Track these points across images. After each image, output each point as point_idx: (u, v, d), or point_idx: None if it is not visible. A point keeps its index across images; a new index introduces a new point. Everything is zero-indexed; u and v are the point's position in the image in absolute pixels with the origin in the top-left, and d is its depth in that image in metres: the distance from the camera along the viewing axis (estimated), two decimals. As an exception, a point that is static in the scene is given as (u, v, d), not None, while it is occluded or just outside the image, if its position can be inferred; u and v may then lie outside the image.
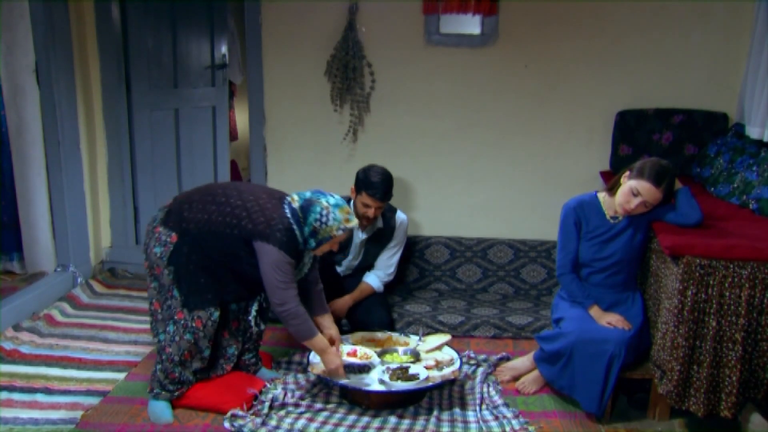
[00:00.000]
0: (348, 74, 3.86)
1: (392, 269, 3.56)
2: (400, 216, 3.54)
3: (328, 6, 3.85)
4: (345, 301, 3.43)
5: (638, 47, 3.74)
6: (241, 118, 5.98)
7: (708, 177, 3.38)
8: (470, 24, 3.82)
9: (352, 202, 3.41)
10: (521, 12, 3.76)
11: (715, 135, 3.62)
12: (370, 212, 3.30)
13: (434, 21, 3.82)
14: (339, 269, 3.58)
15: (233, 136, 5.87)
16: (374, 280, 3.51)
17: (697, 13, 3.66)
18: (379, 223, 3.46)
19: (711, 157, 3.46)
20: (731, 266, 2.40)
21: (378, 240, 3.52)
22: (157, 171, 4.58)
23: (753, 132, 3.26)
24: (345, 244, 3.49)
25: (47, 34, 3.79)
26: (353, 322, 3.45)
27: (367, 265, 3.61)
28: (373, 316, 3.38)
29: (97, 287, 4.12)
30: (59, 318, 3.67)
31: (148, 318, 3.67)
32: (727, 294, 2.42)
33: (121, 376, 3.07)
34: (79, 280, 4.10)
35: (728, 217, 2.86)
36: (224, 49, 5.05)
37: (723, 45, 3.68)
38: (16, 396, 2.86)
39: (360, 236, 3.47)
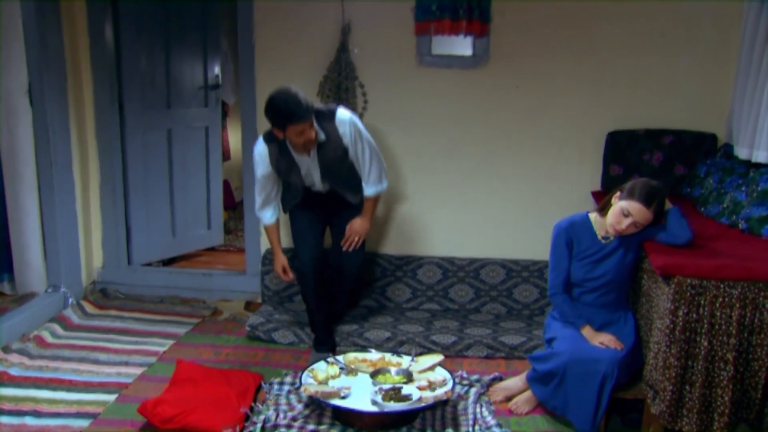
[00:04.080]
0: (340, 95, 3.88)
1: (375, 169, 3.35)
2: (340, 116, 3.21)
3: (321, 27, 3.88)
4: (363, 221, 3.45)
5: (628, 69, 3.78)
6: (234, 138, 6.00)
7: (698, 197, 3.40)
8: (462, 45, 3.85)
9: (286, 142, 3.18)
10: (512, 33, 3.80)
11: (705, 155, 3.65)
12: (309, 134, 3.08)
13: (426, 42, 3.85)
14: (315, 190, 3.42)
15: (226, 156, 5.89)
16: (366, 188, 3.40)
17: (685, 37, 3.71)
18: (321, 136, 3.20)
19: (701, 177, 3.49)
20: (722, 286, 2.41)
21: (328, 150, 3.25)
22: (150, 191, 4.57)
23: (741, 152, 3.29)
24: (296, 179, 3.32)
25: (40, 54, 3.80)
26: (330, 266, 3.57)
27: (339, 181, 3.39)
28: (346, 259, 3.51)
29: (89, 308, 4.09)
30: (50, 339, 3.64)
31: (139, 339, 3.68)
32: (718, 314, 2.42)
33: (111, 397, 3.04)
34: (70, 300, 4.07)
35: (718, 236, 2.87)
36: (217, 70, 5.08)
37: (711, 67, 3.73)
38: (5, 419, 2.82)
39: (306, 159, 3.26)
